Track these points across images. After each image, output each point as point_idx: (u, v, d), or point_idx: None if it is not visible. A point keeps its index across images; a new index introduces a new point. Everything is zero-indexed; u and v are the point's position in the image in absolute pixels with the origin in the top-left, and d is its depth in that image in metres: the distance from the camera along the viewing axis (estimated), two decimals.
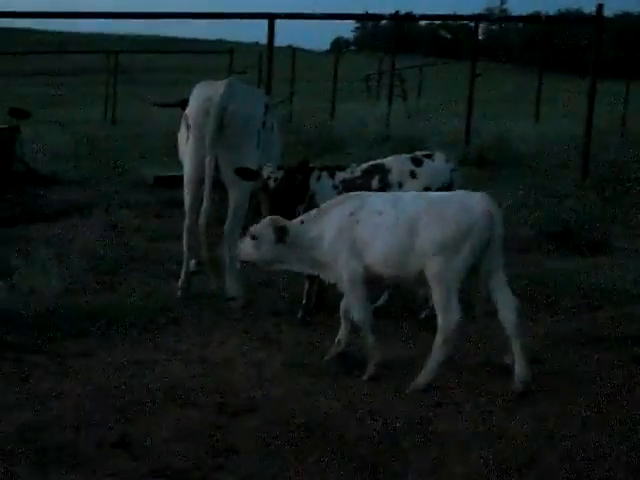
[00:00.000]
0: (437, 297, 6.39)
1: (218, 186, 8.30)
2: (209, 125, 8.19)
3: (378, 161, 8.22)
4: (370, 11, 24.10)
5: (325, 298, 8.28)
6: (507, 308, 6.40)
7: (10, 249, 9.52)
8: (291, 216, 7.21)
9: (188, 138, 8.50)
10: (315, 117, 22.43)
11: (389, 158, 8.26)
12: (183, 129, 8.73)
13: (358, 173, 8.05)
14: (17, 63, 48.99)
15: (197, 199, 8.43)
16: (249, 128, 8.42)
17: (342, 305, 6.91)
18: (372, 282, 6.78)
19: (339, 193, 7.84)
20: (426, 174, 8.00)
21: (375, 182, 7.95)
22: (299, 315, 8.00)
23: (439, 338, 6.40)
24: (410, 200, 6.67)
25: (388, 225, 6.53)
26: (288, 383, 6.60)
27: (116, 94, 26.91)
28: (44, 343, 7.17)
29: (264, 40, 12.90)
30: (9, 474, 5.12)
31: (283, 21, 12.70)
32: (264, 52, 13.18)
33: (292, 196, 7.77)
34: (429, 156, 8.19)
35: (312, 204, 7.85)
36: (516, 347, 6.44)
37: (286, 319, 8.00)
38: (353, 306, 6.77)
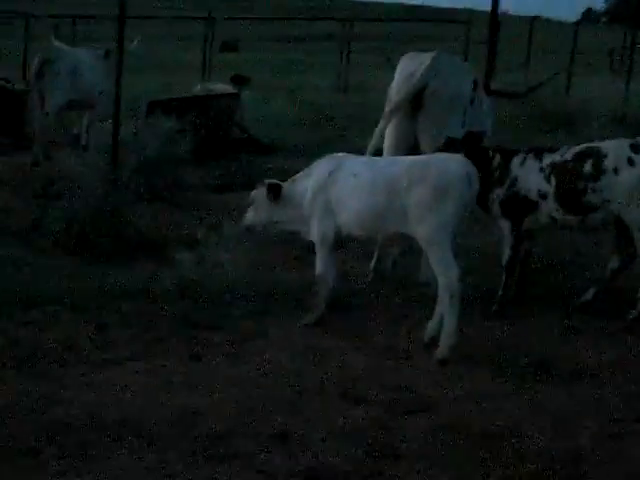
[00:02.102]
0: (432, 258, 6.52)
1: None
2: (402, 98, 7.81)
3: (594, 144, 7.52)
4: None
5: (526, 291, 7.72)
6: None
7: (210, 218, 9.47)
8: None
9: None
10: (549, 91, 21.44)
11: (607, 142, 7.52)
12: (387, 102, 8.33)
13: (569, 156, 7.39)
14: (255, 29, 49.84)
15: None
16: (454, 106, 7.96)
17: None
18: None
19: (547, 177, 7.28)
20: None
21: (587, 166, 7.26)
22: (494, 307, 7.47)
23: (445, 296, 6.44)
24: (388, 164, 6.93)
25: (364, 187, 6.72)
26: (471, 382, 6.10)
27: (349, 62, 26.72)
28: (222, 321, 6.98)
29: (513, 9, 12.19)
30: (159, 462, 4.91)
31: None
32: (507, 22, 12.55)
33: None
34: None
35: (514, 188, 7.36)
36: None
37: (480, 310, 7.44)
38: (317, 261, 7.07)
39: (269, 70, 29.32)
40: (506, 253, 7.51)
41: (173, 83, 21.39)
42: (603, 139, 7.82)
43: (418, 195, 6.45)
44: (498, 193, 7.40)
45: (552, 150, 7.50)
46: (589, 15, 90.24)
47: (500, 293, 7.50)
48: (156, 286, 7.43)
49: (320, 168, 7.09)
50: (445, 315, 6.46)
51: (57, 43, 14.02)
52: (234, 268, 7.56)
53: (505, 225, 7.48)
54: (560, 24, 60.63)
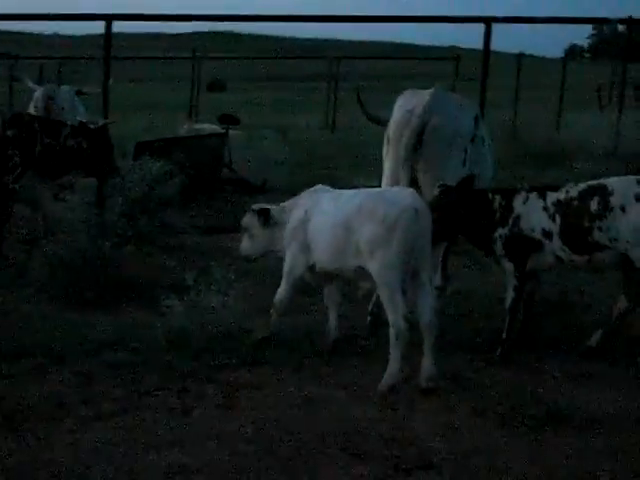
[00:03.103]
0: (381, 294, 6.53)
1: None
2: (406, 139, 7.52)
3: (599, 181, 7.22)
4: (608, 16, 22.20)
5: (530, 335, 7.41)
6: (426, 306, 6.46)
7: (200, 261, 9.16)
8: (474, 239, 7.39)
9: (387, 152, 7.87)
10: (540, 128, 21.28)
11: (612, 178, 7.22)
12: (385, 141, 8.07)
13: (574, 194, 7.11)
14: (242, 69, 49.78)
15: None
16: (454, 144, 7.68)
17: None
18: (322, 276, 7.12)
19: (552, 216, 7.00)
20: None
21: (594, 204, 6.97)
22: (497, 352, 7.15)
23: (392, 336, 6.39)
24: (347, 198, 6.85)
25: (329, 224, 6.75)
26: (477, 434, 5.74)
27: (336, 101, 26.57)
28: (214, 371, 6.64)
29: (497, 46, 12.04)
30: None
31: (513, 26, 11.88)
32: (494, 59, 12.37)
33: (451, 215, 7.18)
34: None
35: (517, 228, 7.07)
36: (427, 345, 6.46)
37: (483, 356, 7.11)
38: (280, 289, 7.16)
39: (257, 110, 29.16)
40: (510, 295, 7.21)
41: (159, 124, 21.17)
42: (597, 175, 7.56)
43: (368, 230, 6.48)
44: (500, 233, 7.13)
45: (555, 188, 7.23)
46: (573, 51, 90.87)
47: (504, 337, 7.19)
48: (144, 335, 7.10)
49: (300, 204, 7.14)
50: (391, 355, 6.40)
51: (31, 84, 14.04)
52: (226, 314, 7.24)
53: (508, 266, 7.19)
54: (544, 60, 60.88)
